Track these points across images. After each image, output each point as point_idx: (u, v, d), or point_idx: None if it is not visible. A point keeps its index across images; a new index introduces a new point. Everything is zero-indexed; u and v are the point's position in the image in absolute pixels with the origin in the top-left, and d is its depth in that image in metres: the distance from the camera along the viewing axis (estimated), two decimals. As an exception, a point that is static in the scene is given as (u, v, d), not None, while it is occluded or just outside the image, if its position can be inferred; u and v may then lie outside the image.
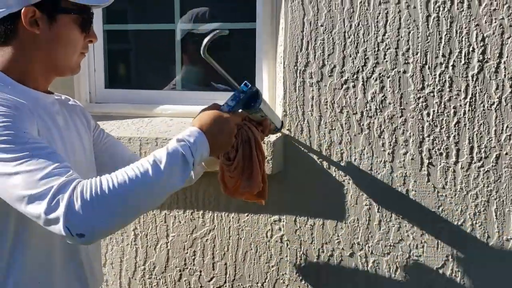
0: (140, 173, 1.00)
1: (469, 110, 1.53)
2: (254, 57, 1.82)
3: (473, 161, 1.55)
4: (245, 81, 1.27)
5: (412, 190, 1.61)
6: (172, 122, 1.86)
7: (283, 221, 1.72)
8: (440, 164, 1.58)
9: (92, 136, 1.38)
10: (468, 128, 1.54)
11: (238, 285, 1.79)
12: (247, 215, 1.75)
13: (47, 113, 1.18)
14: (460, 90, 1.53)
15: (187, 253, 1.84)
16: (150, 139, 1.74)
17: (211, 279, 1.81)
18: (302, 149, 1.67)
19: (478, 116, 1.53)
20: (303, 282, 1.73)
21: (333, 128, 1.64)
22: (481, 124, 1.53)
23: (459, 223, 1.59)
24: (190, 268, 1.84)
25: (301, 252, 1.72)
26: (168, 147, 1.07)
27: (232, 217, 1.77)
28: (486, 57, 1.50)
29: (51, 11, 1.15)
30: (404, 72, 1.56)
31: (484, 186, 1.55)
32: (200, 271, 1.83)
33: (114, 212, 0.96)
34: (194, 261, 1.83)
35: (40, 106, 1.17)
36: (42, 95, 1.20)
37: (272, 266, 1.75)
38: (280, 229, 1.72)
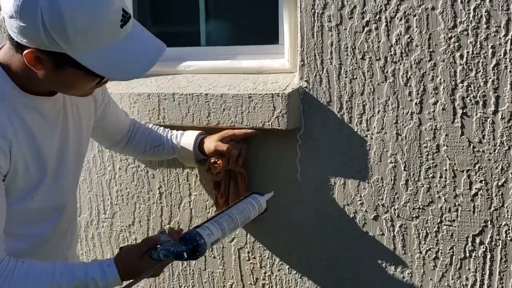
0: None
1: (510, 49, 1.29)
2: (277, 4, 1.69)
3: (517, 111, 1.32)
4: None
5: (444, 145, 1.40)
6: (193, 78, 1.80)
7: (301, 181, 1.59)
8: (476, 115, 1.35)
9: (95, 115, 1.38)
10: (510, 71, 1.30)
11: (259, 246, 1.70)
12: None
13: (45, 118, 1.17)
14: (500, 26, 1.29)
15: (209, 212, 1.78)
16: (168, 94, 1.69)
17: (232, 240, 1.74)
18: (321, 101, 1.52)
19: (522, 56, 1.29)
20: (322, 245, 1.60)
21: (354, 77, 1.47)
22: (526, 65, 1.29)
23: (499, 183, 1.36)
24: (212, 229, 1.78)
25: (321, 214, 1.58)
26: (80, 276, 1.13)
27: (252, 176, 1.68)
28: (531, -17, 1.25)
29: (59, 60, 1.05)
30: (433, 8, 1.35)
31: (530, 139, 1.31)
32: (222, 232, 1.77)
33: None
34: (216, 221, 1.77)
35: (38, 112, 1.16)
36: (40, 101, 1.16)
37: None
38: (297, 189, 1.59)
